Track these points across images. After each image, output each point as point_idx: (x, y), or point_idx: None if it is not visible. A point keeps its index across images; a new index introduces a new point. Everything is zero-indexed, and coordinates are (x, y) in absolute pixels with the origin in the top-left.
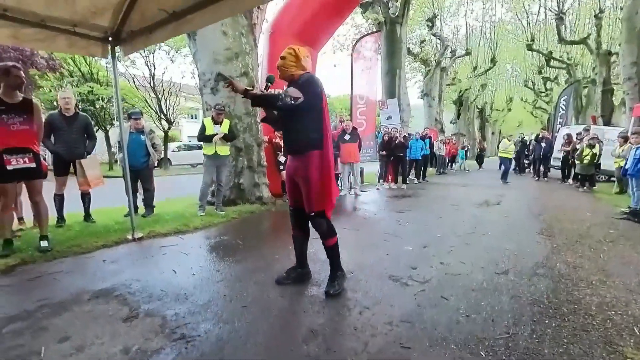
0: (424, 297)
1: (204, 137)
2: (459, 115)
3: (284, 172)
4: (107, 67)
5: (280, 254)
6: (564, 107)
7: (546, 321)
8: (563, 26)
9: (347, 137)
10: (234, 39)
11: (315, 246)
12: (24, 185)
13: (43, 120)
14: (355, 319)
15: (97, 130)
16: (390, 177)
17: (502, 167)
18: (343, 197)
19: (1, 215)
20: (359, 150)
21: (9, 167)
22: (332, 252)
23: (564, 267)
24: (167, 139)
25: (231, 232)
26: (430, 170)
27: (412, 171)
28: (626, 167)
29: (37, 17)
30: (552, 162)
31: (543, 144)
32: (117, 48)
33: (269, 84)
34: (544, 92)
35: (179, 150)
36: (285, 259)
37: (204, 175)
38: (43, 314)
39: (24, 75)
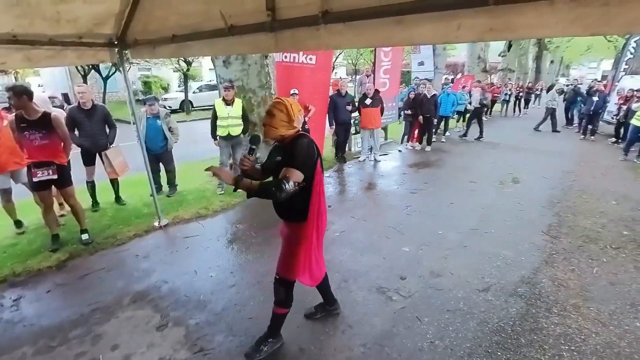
0: (401, 317)
1: (216, 125)
2: (510, 46)
3: None
4: None
5: None
6: (632, 52)
7: (498, 353)
8: None
9: (368, 101)
10: None
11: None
12: None
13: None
14: (337, 338)
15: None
16: (414, 137)
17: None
18: (362, 163)
19: (46, 217)
20: (381, 115)
21: (34, 179)
22: (277, 320)
23: (548, 284)
24: (187, 80)
25: (247, 217)
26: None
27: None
28: None
29: (45, 37)
30: (605, 116)
31: (595, 98)
32: (125, 52)
33: (255, 148)
34: None
35: (200, 91)
36: None
37: (220, 155)
38: (96, 319)
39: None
